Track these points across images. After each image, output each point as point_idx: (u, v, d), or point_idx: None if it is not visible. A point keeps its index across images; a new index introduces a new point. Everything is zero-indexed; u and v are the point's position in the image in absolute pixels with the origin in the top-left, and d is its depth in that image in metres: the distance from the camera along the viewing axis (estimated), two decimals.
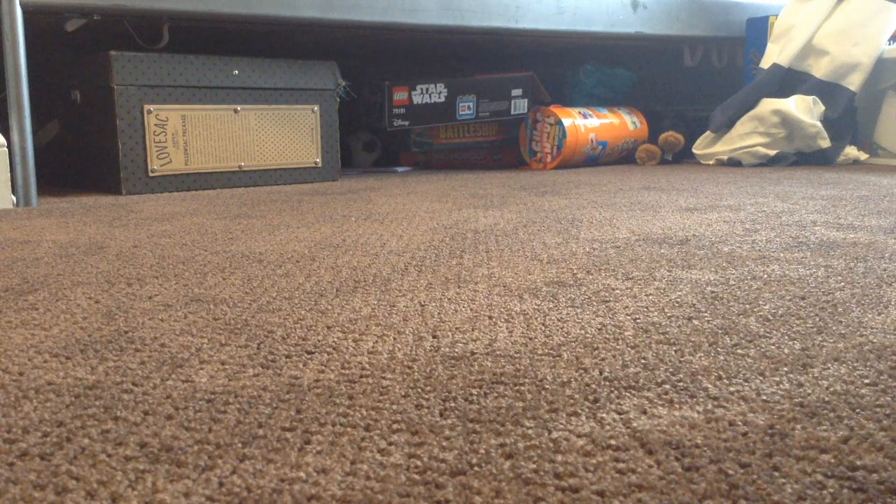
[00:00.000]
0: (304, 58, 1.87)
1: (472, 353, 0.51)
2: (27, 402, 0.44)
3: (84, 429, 0.40)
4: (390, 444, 0.38)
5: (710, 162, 2.23)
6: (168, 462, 0.36)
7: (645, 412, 0.41)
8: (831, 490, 0.32)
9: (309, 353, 0.52)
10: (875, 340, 0.53)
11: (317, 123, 1.88)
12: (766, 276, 0.74)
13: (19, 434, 0.39)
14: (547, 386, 0.45)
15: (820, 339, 0.53)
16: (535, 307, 0.63)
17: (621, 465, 0.35)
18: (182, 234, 1.07)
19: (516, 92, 2.30)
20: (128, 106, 1.63)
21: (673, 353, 0.51)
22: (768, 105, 2.15)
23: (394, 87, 2.16)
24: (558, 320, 0.59)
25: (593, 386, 0.45)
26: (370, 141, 2.39)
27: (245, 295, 0.69)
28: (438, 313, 0.62)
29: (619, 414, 0.41)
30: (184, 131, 1.70)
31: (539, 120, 2.29)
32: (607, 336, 0.55)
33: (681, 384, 0.45)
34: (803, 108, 2.12)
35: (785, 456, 0.36)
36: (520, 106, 2.31)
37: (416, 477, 0.34)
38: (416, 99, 2.18)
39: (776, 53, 2.25)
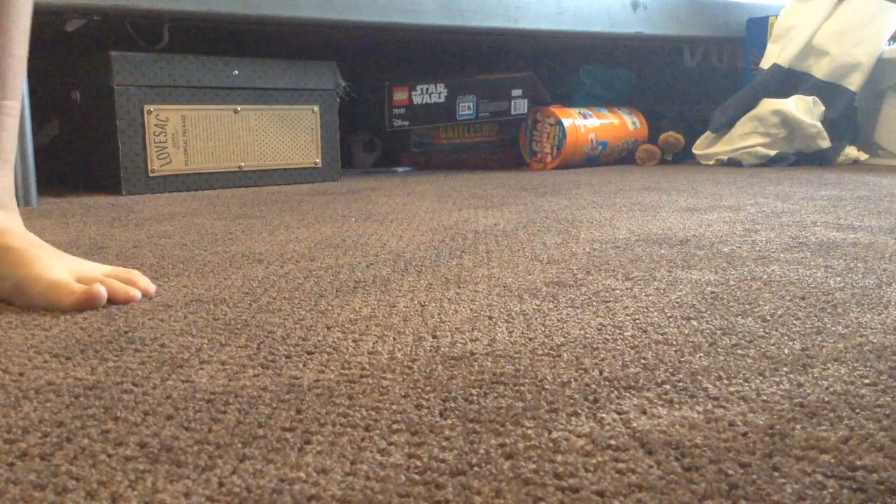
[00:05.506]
0: (304, 58, 1.86)
1: (472, 354, 0.51)
2: (27, 402, 0.44)
3: (84, 429, 0.40)
4: (390, 444, 0.38)
5: (710, 162, 2.23)
6: (168, 462, 0.36)
7: (645, 412, 0.41)
8: (831, 490, 0.32)
9: (309, 353, 0.52)
10: (875, 340, 0.53)
11: (317, 124, 1.88)
12: (766, 276, 0.74)
13: (19, 434, 0.39)
14: (547, 386, 0.45)
15: (820, 339, 0.53)
16: (535, 307, 0.63)
17: (621, 466, 0.35)
18: (182, 234, 1.07)
19: (516, 92, 2.29)
20: (128, 106, 1.63)
21: (673, 353, 0.51)
22: (768, 105, 2.15)
23: (394, 88, 2.16)
24: (558, 320, 0.59)
25: (593, 386, 0.45)
26: (370, 141, 2.39)
27: (245, 295, 0.69)
28: (438, 313, 0.62)
29: (619, 414, 0.41)
30: (184, 131, 1.70)
31: (539, 120, 2.29)
32: (607, 336, 0.55)
33: (681, 384, 0.45)
34: (803, 109, 2.12)
35: (785, 456, 0.36)
36: (520, 106, 2.30)
37: (416, 477, 0.34)
38: (416, 99, 2.18)
39: (776, 54, 2.25)
